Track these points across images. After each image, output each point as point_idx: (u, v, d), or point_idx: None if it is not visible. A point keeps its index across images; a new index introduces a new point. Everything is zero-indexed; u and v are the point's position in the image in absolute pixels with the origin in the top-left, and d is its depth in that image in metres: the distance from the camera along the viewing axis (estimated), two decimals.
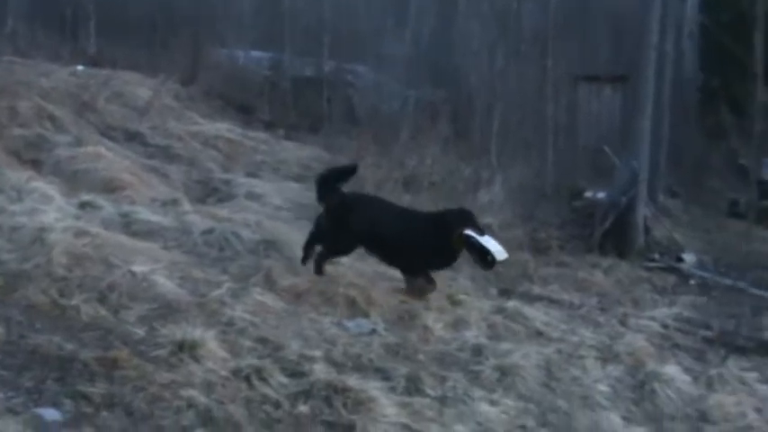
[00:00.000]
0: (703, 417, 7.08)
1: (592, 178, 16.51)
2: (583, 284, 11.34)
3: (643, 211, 14.45)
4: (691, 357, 8.64)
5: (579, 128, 22.86)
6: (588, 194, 15.06)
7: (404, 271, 8.65)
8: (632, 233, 13.98)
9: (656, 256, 14.02)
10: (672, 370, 7.80)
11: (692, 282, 13.12)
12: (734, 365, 8.43)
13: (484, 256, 8.21)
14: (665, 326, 9.60)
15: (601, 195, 14.78)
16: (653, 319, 9.65)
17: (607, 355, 8.00)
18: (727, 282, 12.53)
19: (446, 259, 8.57)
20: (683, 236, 16.32)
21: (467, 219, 8.38)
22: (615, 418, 6.47)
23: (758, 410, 7.26)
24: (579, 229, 13.79)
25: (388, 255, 8.67)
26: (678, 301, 11.32)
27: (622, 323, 9.15)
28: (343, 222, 8.39)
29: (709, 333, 9.52)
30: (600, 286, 11.50)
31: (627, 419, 6.59)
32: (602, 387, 7.22)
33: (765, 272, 14.57)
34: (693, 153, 21.87)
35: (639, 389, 7.40)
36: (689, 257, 14.39)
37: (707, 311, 10.64)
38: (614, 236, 13.58)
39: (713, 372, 8.06)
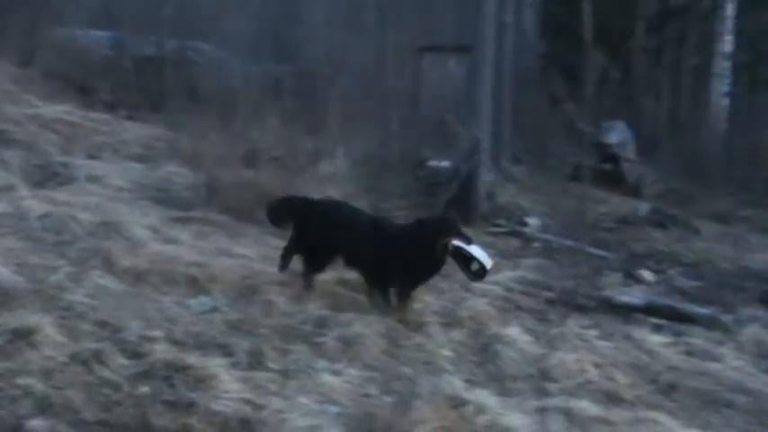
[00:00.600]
0: (545, 375, 7.18)
1: (437, 148, 16.59)
2: None
3: (486, 178, 14.64)
4: (533, 318, 8.79)
5: (424, 98, 23.02)
6: (432, 163, 15.12)
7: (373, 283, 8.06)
8: (475, 200, 14.14)
9: (501, 221, 14.25)
10: (514, 331, 7.91)
11: (536, 245, 13.37)
12: (574, 324, 8.63)
13: (474, 267, 7.68)
14: (508, 289, 9.76)
15: (445, 164, 14.87)
16: (496, 283, 9.76)
17: (450, 321, 8.06)
18: (569, 243, 12.79)
19: (428, 271, 7.94)
20: (527, 200, 16.69)
21: (451, 227, 7.79)
22: (458, 382, 6.49)
23: (598, 366, 7.41)
24: (424, 197, 13.82)
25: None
26: (521, 265, 11.54)
27: (465, 288, 9.21)
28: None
29: (550, 294, 9.71)
30: None
31: (469, 382, 6.63)
32: (446, 352, 7.27)
33: (605, 233, 15.03)
34: (536, 120, 22.28)
35: (482, 352, 7.48)
36: (533, 221, 14.68)
37: (549, 273, 10.83)
38: (458, 203, 13.64)
39: (554, 331, 8.22)
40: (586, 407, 6.29)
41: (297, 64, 21.29)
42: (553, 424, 5.90)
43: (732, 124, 30.50)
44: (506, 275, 10.39)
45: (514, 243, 13.10)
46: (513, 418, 5.80)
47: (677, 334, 9.12)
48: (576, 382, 7.06)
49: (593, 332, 8.51)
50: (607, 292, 10.30)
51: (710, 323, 9.63)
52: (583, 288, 9.96)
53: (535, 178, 19.27)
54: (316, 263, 8.22)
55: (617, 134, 21.72)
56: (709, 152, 26.74)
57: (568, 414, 6.13)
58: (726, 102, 30.89)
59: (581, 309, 9.39)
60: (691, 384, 7.54)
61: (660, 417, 6.34)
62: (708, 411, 7.03)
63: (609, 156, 21.50)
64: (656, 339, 8.71)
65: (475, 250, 7.62)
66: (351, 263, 8.16)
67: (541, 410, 6.16)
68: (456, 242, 7.53)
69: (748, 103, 31.18)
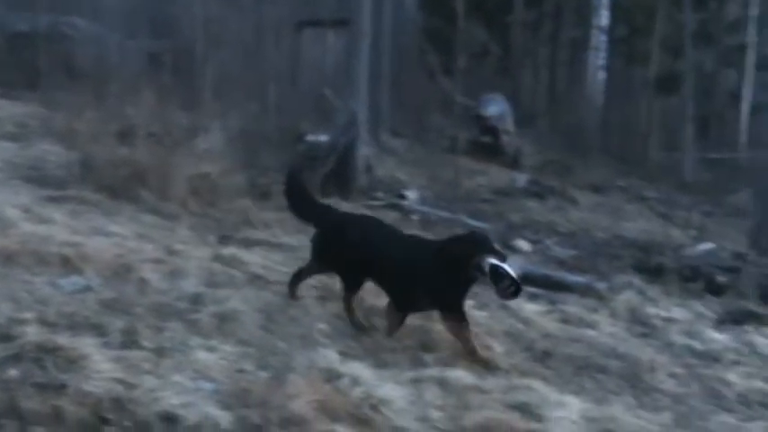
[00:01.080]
0: (423, 346, 7.16)
1: (316, 122, 16.53)
2: (305, 227, 11.24)
3: (364, 152, 14.60)
4: None
5: (303, 73, 22.93)
6: (310, 138, 15.04)
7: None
8: (353, 173, 14.08)
9: (379, 194, 14.23)
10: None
11: (414, 217, 13.38)
12: None
13: (507, 285, 7.03)
14: None
15: (323, 138, 14.79)
16: None
17: (327, 294, 7.98)
18: (446, 215, 12.85)
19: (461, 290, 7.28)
20: (405, 173, 16.73)
21: (485, 245, 7.19)
22: (333, 355, 6.42)
23: (473, 335, 7.42)
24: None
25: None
26: None
27: None
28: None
29: None
30: None
31: (345, 355, 6.56)
32: (322, 325, 7.20)
33: (483, 204, 15.18)
34: (415, 93, 22.36)
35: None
36: (411, 194, 14.71)
37: None
38: (336, 177, 13.60)
39: None
40: (461, 376, 6.29)
41: (173, 39, 20.98)
42: (428, 394, 5.88)
43: (608, 97, 31.12)
44: None
45: (393, 216, 13.05)
46: (388, 390, 5.77)
47: (553, 302, 9.25)
48: (453, 351, 7.05)
49: (469, 302, 8.50)
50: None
51: (585, 291, 9.79)
52: None
53: (414, 151, 19.34)
54: (352, 281, 7.50)
55: (495, 107, 21.91)
56: (587, 124, 27.29)
57: (443, 384, 6.12)
58: (602, 75, 31.49)
59: None
60: (565, 351, 7.63)
61: (535, 384, 6.38)
62: (582, 377, 7.11)
63: (487, 128, 21.69)
64: (531, 308, 8.80)
65: (509, 268, 7.08)
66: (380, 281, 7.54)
67: (417, 381, 6.13)
68: (492, 260, 6.96)
69: (624, 76, 31.84)
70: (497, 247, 7.23)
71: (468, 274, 7.02)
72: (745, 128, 30.46)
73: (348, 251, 7.43)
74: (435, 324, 7.45)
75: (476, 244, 7.13)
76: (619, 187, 21.22)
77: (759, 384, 7.68)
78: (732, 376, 7.74)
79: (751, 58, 27.26)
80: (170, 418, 5.03)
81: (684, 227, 14.52)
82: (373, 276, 7.47)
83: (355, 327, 7.33)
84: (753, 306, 10.29)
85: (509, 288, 6.93)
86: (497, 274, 6.91)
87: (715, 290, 11.08)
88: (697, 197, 20.47)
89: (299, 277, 7.79)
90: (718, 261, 12.30)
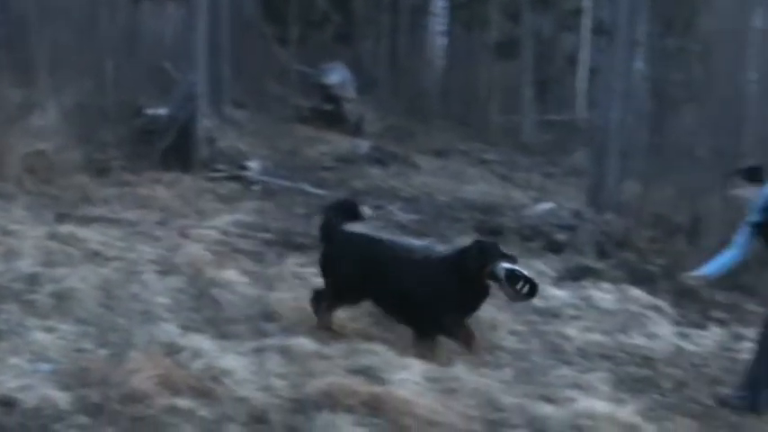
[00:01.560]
0: (265, 315, 7.20)
1: (156, 96, 16.24)
2: (145, 201, 11.18)
3: (205, 124, 14.41)
4: (250, 260, 8.79)
5: (142, 46, 22.46)
6: (149, 112, 14.78)
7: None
8: (194, 146, 13.86)
9: (221, 166, 14.08)
10: (231, 275, 7.92)
11: (256, 188, 13.30)
12: (292, 263, 8.70)
13: (522, 287, 6.86)
14: (226, 233, 9.72)
15: (162, 111, 14.56)
16: (214, 227, 9.71)
17: (166, 268, 7.94)
18: (289, 184, 12.85)
19: (477, 301, 7.06)
20: (247, 144, 16.58)
21: (495, 252, 7.00)
22: (174, 329, 6.41)
23: None
24: (141, 146, 13.52)
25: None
26: (241, 208, 11.50)
27: (182, 235, 9.10)
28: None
29: (268, 235, 9.72)
30: (163, 201, 11.34)
31: (186, 328, 6.54)
32: (162, 300, 7.18)
33: (325, 172, 15.20)
34: (257, 63, 22.19)
35: (199, 297, 7.43)
36: (253, 165, 14.60)
37: (269, 215, 10.87)
38: (176, 150, 13.40)
39: (272, 272, 8.24)
40: (304, 344, 6.32)
41: (3, 11, 20.27)
42: (270, 363, 5.89)
43: (449, 62, 31.44)
44: (224, 220, 10.36)
45: (235, 187, 13.00)
46: (230, 360, 5.77)
47: None
48: (295, 320, 7.10)
49: (311, 270, 8.57)
50: None
51: None
52: (300, 227, 10.03)
53: (256, 122, 19.16)
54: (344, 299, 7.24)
55: (337, 75, 21.90)
56: (428, 90, 27.50)
57: (286, 352, 6.15)
58: (443, 40, 31.76)
59: (299, 248, 9.46)
60: None
61: (378, 347, 6.44)
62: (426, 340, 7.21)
63: (329, 97, 21.70)
64: None
65: (522, 269, 6.95)
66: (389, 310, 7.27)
67: (259, 351, 6.15)
68: (505, 265, 6.78)
69: (464, 42, 32.23)
70: (505, 250, 7.10)
71: (483, 285, 6.88)
72: (582, 90, 31.32)
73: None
74: (275, 293, 7.49)
75: (485, 253, 6.93)
76: (460, 151, 21.51)
77: (597, 337, 7.96)
78: (571, 331, 8.00)
79: (588, 23, 28.03)
80: (8, 403, 4.95)
81: (525, 188, 14.87)
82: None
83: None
84: (590, 262, 10.65)
85: (523, 288, 6.81)
86: (514, 277, 6.76)
87: (554, 248, 11.40)
88: (537, 158, 20.95)
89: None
90: (557, 220, 12.64)
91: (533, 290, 6.85)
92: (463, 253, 7.09)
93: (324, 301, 7.12)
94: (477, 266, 6.80)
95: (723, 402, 6.71)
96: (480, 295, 6.96)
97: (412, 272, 7.07)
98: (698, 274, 7.10)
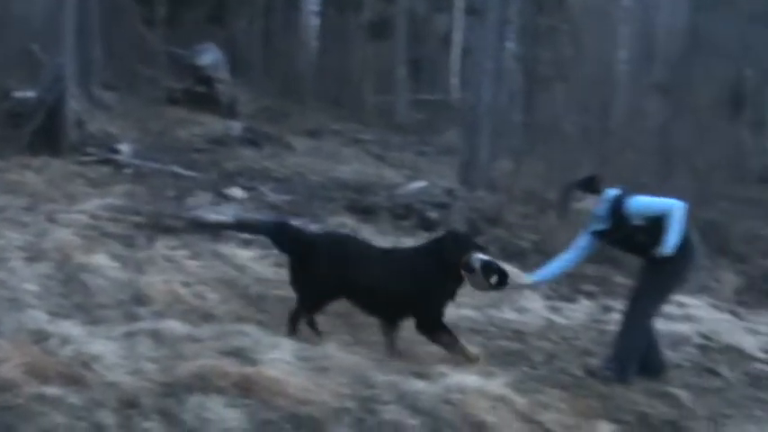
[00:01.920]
0: (136, 300, 7.12)
1: (24, 78, 15.86)
2: (13, 187, 10.94)
3: (74, 107, 14.16)
4: (120, 244, 8.67)
5: (9, 28, 21.88)
6: (17, 94, 14.44)
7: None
8: (63, 130, 13.62)
9: (91, 149, 13.86)
10: (101, 259, 7.79)
11: (127, 171, 13.15)
12: (162, 246, 8.62)
13: (493, 279, 6.85)
14: (95, 217, 9.56)
15: (30, 94, 14.24)
16: (83, 212, 9.55)
17: (34, 254, 7.78)
18: (160, 167, 12.73)
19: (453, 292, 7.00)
20: (119, 127, 16.36)
21: (471, 242, 7.08)
22: (42, 315, 6.28)
23: (187, 285, 7.46)
24: (9, 130, 13.22)
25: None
26: (111, 192, 11.36)
27: (50, 220, 8.93)
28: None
29: (138, 218, 9.61)
30: (31, 186, 11.12)
31: (55, 314, 6.42)
32: (30, 286, 7.02)
33: (198, 154, 15.08)
34: (128, 45, 21.85)
35: (68, 283, 7.29)
36: (124, 147, 14.42)
37: (140, 198, 10.73)
38: (45, 134, 13.16)
39: (142, 255, 8.16)
40: (174, 327, 6.26)
41: None
42: (141, 347, 5.83)
43: (323, 42, 31.45)
44: (94, 204, 10.20)
45: (105, 171, 12.82)
46: (100, 346, 5.68)
47: (266, 247, 9.31)
48: (166, 303, 7.05)
49: (182, 252, 8.55)
50: (196, 212, 10.40)
51: None
52: (171, 210, 9.97)
53: (128, 104, 18.89)
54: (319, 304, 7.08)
55: (209, 56, 21.69)
56: (302, 70, 27.47)
57: (157, 336, 6.07)
58: (316, 21, 31.73)
59: (169, 230, 9.38)
60: (279, 294, 7.75)
61: (249, 328, 6.41)
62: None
63: (202, 78, 21.51)
64: (245, 254, 8.91)
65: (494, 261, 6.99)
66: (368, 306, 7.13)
67: (129, 335, 6.08)
68: (480, 256, 6.78)
69: (338, 22, 32.25)
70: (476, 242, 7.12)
71: (459, 275, 6.82)
72: (455, 70, 31.69)
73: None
74: (146, 277, 7.43)
75: (461, 243, 6.94)
76: (334, 131, 21.59)
77: (469, 313, 8.14)
78: None
79: (460, 3, 28.35)
80: None
81: (398, 167, 14.98)
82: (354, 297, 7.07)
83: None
84: None
85: (493, 279, 6.82)
86: (488, 269, 6.79)
87: (427, 225, 11.56)
88: (410, 138, 21.15)
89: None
90: (430, 198, 12.81)
91: (504, 281, 6.87)
92: (439, 243, 7.05)
93: (302, 312, 6.96)
94: (456, 256, 6.79)
95: (592, 373, 6.90)
96: (457, 285, 6.92)
97: (390, 265, 7.04)
98: (532, 280, 7.22)
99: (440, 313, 6.90)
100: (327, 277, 6.86)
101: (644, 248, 6.81)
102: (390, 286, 6.86)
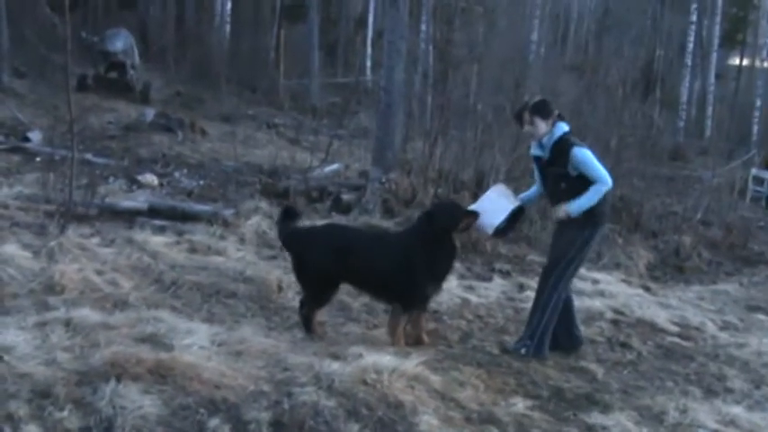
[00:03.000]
0: (48, 288, 7.02)
1: None
2: None
3: None
4: (31, 233, 8.52)
5: None
6: None
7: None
8: None
9: (0, 138, 13.65)
10: (11, 249, 7.66)
11: (38, 159, 12.96)
12: (75, 234, 8.49)
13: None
14: (4, 206, 9.41)
15: None
16: None
17: None
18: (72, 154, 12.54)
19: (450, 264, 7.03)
20: (30, 115, 16.13)
21: (461, 208, 7.12)
22: None
23: (100, 273, 7.38)
24: None
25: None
26: (22, 181, 11.19)
27: None
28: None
29: (50, 207, 9.46)
30: None
31: None
32: None
33: (111, 141, 14.90)
34: (39, 31, 21.46)
35: None
36: (35, 135, 14.23)
37: (50, 186, 10.50)
38: None
39: (54, 244, 8.02)
40: (88, 315, 6.20)
41: None
42: (54, 336, 5.76)
43: (236, 27, 31.26)
44: (3, 192, 10.06)
45: (15, 159, 12.61)
46: (12, 336, 5.60)
47: (180, 233, 9.32)
48: (79, 291, 6.97)
49: (95, 240, 8.46)
50: (109, 199, 10.29)
51: (213, 219, 9.92)
52: (83, 198, 9.83)
53: (39, 91, 18.63)
54: (323, 297, 6.97)
55: (121, 41, 21.44)
56: (215, 55, 27.28)
57: (70, 324, 6.00)
58: (229, 5, 31.50)
59: (82, 218, 9.27)
60: (194, 279, 7.73)
61: (163, 314, 6.40)
62: (211, 303, 7.24)
63: (113, 63, 21.28)
64: (158, 240, 8.84)
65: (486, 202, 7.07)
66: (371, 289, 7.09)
67: (42, 325, 6.00)
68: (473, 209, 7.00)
69: (251, 5, 32.12)
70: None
71: (453, 243, 6.88)
72: (369, 53, 31.77)
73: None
74: (58, 265, 7.33)
75: (451, 212, 6.97)
76: (249, 116, 21.51)
77: None
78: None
79: None
80: None
81: (312, 150, 14.91)
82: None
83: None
84: (377, 221, 10.87)
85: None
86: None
87: (341, 208, 11.58)
88: (324, 121, 21.10)
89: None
90: (345, 180, 12.83)
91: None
92: (430, 216, 6.97)
93: (308, 304, 6.91)
94: (451, 225, 6.82)
95: (507, 350, 7.01)
96: (453, 255, 6.97)
97: (387, 248, 7.01)
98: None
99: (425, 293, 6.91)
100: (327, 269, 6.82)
101: (561, 197, 6.91)
102: (384, 268, 6.81)
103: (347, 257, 6.77)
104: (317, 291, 6.88)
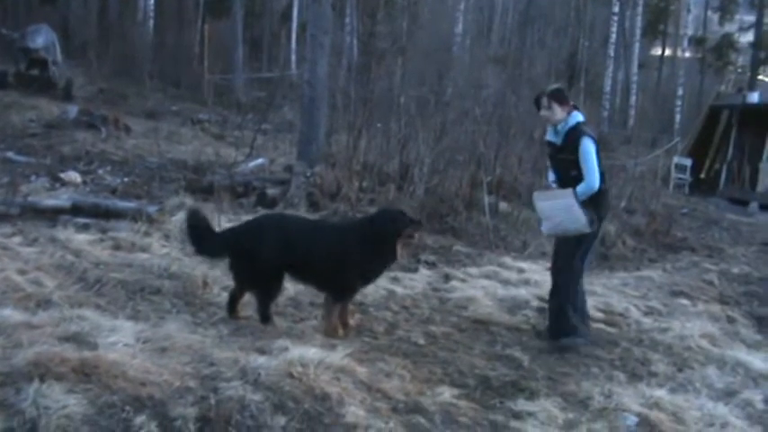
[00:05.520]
0: None
1: None
2: None
3: None
4: None
5: None
6: None
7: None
8: None
9: None
10: None
11: None
12: None
13: None
14: None
15: None
16: None
17: None
18: None
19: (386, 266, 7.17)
20: None
21: (408, 218, 7.17)
22: None
23: (22, 272, 7.27)
24: None
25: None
26: None
27: None
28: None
29: None
30: None
31: None
32: None
33: (32, 139, 14.69)
34: None
35: None
36: None
37: None
38: None
39: None
40: (10, 314, 6.10)
41: None
42: None
43: (160, 22, 31.02)
44: None
45: None
46: None
47: (104, 231, 9.22)
48: (1, 292, 6.85)
49: (17, 239, 8.34)
50: (32, 198, 10.14)
51: (137, 216, 9.82)
52: (5, 196, 9.70)
53: None
54: (273, 291, 7.03)
55: (42, 38, 21.14)
56: (139, 51, 27.05)
57: None
58: (151, 1, 31.24)
59: (3, 217, 9.15)
60: (118, 277, 7.63)
61: (88, 313, 6.32)
62: (136, 300, 7.16)
63: (35, 61, 20.99)
64: (82, 238, 8.74)
65: None
66: (308, 278, 7.15)
67: None
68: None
69: (175, 1, 31.86)
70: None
71: (395, 250, 6.95)
72: (294, 47, 31.72)
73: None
74: None
75: (396, 220, 7.03)
76: (173, 112, 21.34)
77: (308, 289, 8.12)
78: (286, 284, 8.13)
79: None
80: None
81: (238, 145, 14.85)
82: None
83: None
84: (302, 214, 10.82)
85: None
86: None
87: (267, 202, 11.55)
88: (250, 116, 21.01)
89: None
90: (270, 175, 12.80)
91: None
92: (373, 222, 7.09)
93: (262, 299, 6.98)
94: (392, 232, 6.91)
95: (563, 348, 7.37)
96: (388, 261, 7.06)
97: (328, 237, 7.12)
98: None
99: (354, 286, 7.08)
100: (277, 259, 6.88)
101: (570, 184, 7.23)
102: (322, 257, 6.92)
103: (293, 246, 6.85)
104: (271, 283, 6.93)
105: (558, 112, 7.27)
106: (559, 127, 7.30)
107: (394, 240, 6.92)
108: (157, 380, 5.12)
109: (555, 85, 7.60)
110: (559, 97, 7.29)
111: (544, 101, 7.31)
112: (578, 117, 7.30)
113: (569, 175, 7.26)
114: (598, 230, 7.50)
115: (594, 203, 7.23)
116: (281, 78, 25.83)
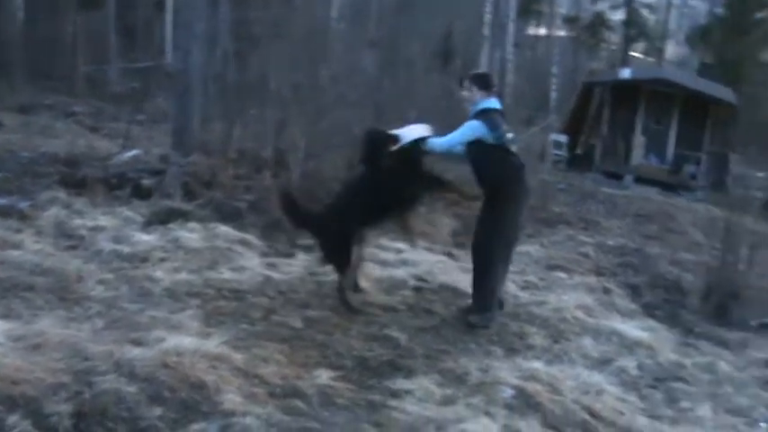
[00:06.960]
0: None
1: None
2: None
3: None
4: None
5: None
6: None
7: None
8: None
9: None
10: None
11: None
12: None
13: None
14: None
15: None
16: None
17: None
18: None
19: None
20: None
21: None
22: None
23: None
24: None
25: None
26: None
27: None
28: None
29: None
30: None
31: None
32: None
33: None
34: None
35: None
36: None
37: None
38: None
39: None
40: None
41: None
42: None
43: (30, 12, 30.27)
44: None
45: None
46: None
47: None
48: None
49: None
50: None
51: (7, 212, 9.62)
52: None
53: None
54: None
55: None
56: (9, 43, 26.41)
57: None
58: None
59: None
60: None
61: None
62: (8, 298, 7.00)
63: None
64: None
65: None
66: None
67: None
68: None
69: None
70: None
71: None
72: (169, 36, 31.33)
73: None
74: None
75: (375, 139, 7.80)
76: (46, 105, 20.90)
77: (185, 276, 8.08)
78: (159, 273, 8.08)
79: None
80: None
81: (112, 137, 14.67)
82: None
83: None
84: (177, 204, 10.76)
85: None
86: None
87: (141, 194, 11.40)
88: (124, 107, 20.71)
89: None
90: (144, 166, 12.64)
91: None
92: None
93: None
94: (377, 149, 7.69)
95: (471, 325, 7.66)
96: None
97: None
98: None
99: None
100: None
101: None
102: None
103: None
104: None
105: (476, 94, 7.74)
106: (471, 108, 7.74)
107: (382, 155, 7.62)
108: (30, 377, 5.08)
109: (481, 71, 8.12)
110: (479, 82, 7.81)
111: (466, 82, 7.83)
112: (490, 104, 7.75)
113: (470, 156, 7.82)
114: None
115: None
116: (155, 68, 25.51)
